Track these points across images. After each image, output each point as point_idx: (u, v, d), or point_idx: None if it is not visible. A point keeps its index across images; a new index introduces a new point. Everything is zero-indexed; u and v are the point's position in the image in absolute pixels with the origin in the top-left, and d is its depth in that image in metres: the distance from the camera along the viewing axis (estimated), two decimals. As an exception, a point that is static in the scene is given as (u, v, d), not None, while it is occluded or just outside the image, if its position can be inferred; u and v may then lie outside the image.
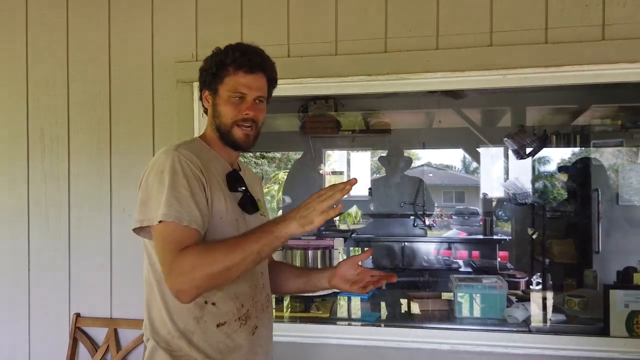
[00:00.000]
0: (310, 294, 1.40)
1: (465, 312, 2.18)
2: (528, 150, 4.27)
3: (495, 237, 4.71)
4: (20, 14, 2.26)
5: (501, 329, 2.05)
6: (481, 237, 4.85)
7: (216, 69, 1.27)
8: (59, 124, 2.22)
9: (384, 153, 5.08)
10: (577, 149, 4.43)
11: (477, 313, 2.18)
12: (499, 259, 4.62)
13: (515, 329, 2.02)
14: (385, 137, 4.79)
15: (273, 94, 1.39)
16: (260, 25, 2.10)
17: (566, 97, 4.06)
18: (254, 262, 1.09)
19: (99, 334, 2.18)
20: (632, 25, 1.85)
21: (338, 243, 2.31)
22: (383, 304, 2.55)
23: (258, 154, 8.99)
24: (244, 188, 1.28)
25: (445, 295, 2.43)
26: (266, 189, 8.23)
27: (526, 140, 4.29)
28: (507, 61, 1.92)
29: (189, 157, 1.18)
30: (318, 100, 4.74)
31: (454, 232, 9.42)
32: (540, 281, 3.94)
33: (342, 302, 2.44)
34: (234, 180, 1.27)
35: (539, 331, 2.02)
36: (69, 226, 2.22)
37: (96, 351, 2.15)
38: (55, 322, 2.23)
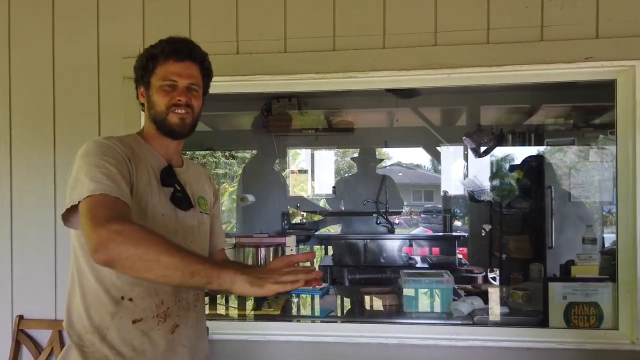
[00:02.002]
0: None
1: (412, 307, 2.22)
2: (488, 148, 4.38)
3: (454, 233, 4.82)
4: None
5: (446, 322, 2.10)
6: (441, 234, 4.95)
7: (147, 61, 1.28)
8: (0, 121, 2.16)
9: (356, 153, 5.14)
10: (534, 147, 4.56)
11: (424, 307, 2.22)
12: (459, 256, 4.73)
13: (459, 322, 2.08)
14: (348, 136, 4.84)
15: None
16: (209, 22, 2.08)
17: (520, 97, 4.19)
18: (179, 278, 1.00)
19: (44, 336, 2.13)
20: (568, 27, 1.92)
21: (290, 241, 2.32)
22: (338, 301, 2.57)
23: (227, 153, 8.91)
24: (177, 184, 1.28)
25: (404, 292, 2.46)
26: (233, 188, 8.16)
27: (484, 138, 4.41)
28: (451, 61, 1.97)
29: (116, 144, 1.19)
30: (281, 98, 4.75)
31: (420, 230, 9.59)
32: (493, 276, 4.06)
33: (295, 299, 2.45)
34: (168, 175, 1.27)
35: (482, 324, 2.08)
36: (11, 226, 2.16)
37: (40, 354, 2.10)
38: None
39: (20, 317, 2.12)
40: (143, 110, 1.35)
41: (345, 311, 2.45)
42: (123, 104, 2.08)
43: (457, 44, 1.96)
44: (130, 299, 1.18)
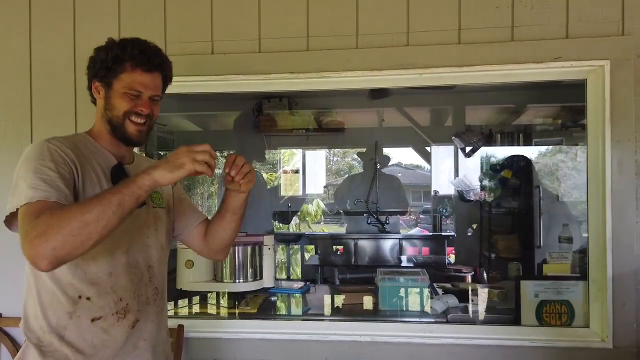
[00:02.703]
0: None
1: (387, 305, 2.23)
2: (473, 148, 4.40)
3: (443, 233, 4.83)
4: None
5: (419, 320, 2.11)
6: (430, 234, 4.96)
7: (112, 63, 1.24)
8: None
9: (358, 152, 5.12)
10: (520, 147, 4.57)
11: (400, 305, 2.23)
12: (449, 255, 4.74)
13: (433, 320, 2.09)
14: (339, 136, 4.85)
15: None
16: (184, 22, 2.10)
17: (507, 97, 4.20)
18: (115, 215, 1.02)
19: (21, 333, 2.14)
20: (538, 27, 1.93)
21: (268, 240, 2.33)
22: (317, 300, 2.59)
23: (218, 153, 8.93)
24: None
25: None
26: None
27: (473, 138, 4.42)
28: (423, 61, 1.98)
29: (59, 145, 1.18)
30: (272, 98, 4.77)
31: (417, 230, 9.60)
32: (476, 275, 4.06)
33: (273, 297, 2.47)
34: (118, 173, 1.27)
35: (455, 321, 2.09)
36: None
37: (17, 352, 2.11)
38: None
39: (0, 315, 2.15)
40: (93, 103, 1.33)
41: (326, 310, 2.47)
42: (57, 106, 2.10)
43: (429, 44, 1.98)
44: (88, 298, 1.19)
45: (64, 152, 1.17)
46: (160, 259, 1.37)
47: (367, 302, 2.35)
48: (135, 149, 1.48)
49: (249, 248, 2.30)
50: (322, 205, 6.47)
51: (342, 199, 5.06)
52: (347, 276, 4.39)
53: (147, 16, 2.10)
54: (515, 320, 2.06)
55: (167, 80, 1.35)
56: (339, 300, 2.42)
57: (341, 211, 5.29)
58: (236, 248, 2.26)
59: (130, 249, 1.26)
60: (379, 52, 2.00)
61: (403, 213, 5.11)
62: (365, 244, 4.64)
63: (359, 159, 5.17)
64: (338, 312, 2.35)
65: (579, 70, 1.93)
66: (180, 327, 2.04)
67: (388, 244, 4.77)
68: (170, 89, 2.08)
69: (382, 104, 4.13)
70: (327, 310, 2.38)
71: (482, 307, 2.27)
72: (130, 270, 1.25)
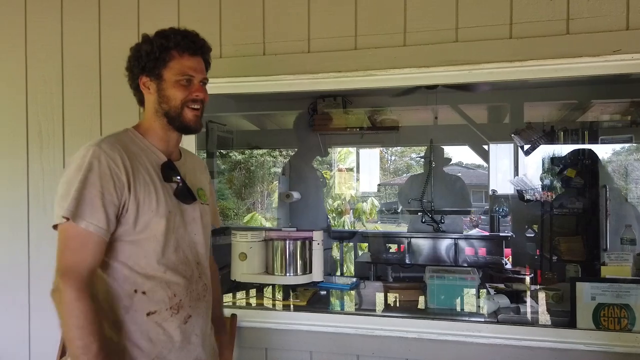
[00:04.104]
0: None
1: (435, 303, 2.22)
2: (535, 146, 4.23)
3: (501, 234, 4.68)
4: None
5: (467, 319, 2.08)
6: (488, 234, 4.83)
7: (160, 52, 1.26)
8: (55, 119, 2.39)
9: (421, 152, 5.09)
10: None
11: (448, 304, 2.21)
12: (507, 257, 4.59)
13: (482, 320, 2.06)
14: (393, 134, 4.84)
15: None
16: (237, 25, 2.19)
17: (569, 93, 4.01)
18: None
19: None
20: (595, 19, 1.85)
21: (317, 235, 2.39)
22: (362, 295, 2.61)
23: (277, 152, 9.13)
24: (179, 178, 1.30)
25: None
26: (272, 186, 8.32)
27: (533, 136, 4.26)
28: (472, 57, 1.96)
29: (111, 154, 1.19)
30: (327, 98, 4.84)
31: (476, 231, 9.34)
32: (536, 278, 3.91)
33: (323, 292, 2.52)
34: (169, 170, 1.28)
35: (506, 322, 2.05)
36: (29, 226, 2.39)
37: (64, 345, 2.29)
38: (54, 322, 2.37)
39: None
40: (140, 104, 1.36)
41: (374, 306, 2.49)
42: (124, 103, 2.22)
43: (478, 40, 1.95)
44: (144, 292, 1.23)
45: (114, 160, 1.19)
46: (206, 255, 1.41)
47: (419, 300, 2.34)
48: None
49: (299, 243, 2.37)
50: (376, 203, 6.45)
51: (406, 197, 5.05)
52: (401, 275, 4.38)
53: (203, 21, 2.21)
54: (570, 323, 1.98)
55: (208, 65, 1.38)
56: (389, 297, 2.43)
57: (398, 210, 5.26)
58: (286, 242, 2.34)
59: (179, 245, 1.29)
60: (427, 49, 2.00)
61: (466, 213, 4.98)
62: (420, 243, 4.59)
63: (421, 160, 5.13)
64: (387, 309, 2.36)
65: (640, 63, 1.83)
66: (234, 316, 2.13)
67: (443, 244, 4.69)
68: (225, 89, 2.21)
69: (435, 101, 4.06)
70: (378, 306, 2.40)
71: (535, 308, 2.20)
72: (181, 267, 1.29)
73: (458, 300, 2.21)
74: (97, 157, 1.18)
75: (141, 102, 1.36)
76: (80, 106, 2.37)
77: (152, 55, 1.27)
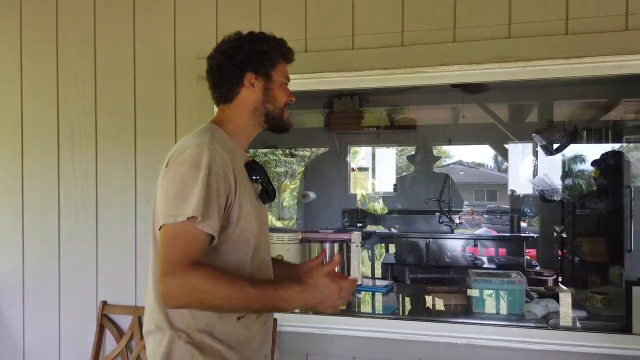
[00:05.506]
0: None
1: (482, 307, 2.16)
2: (557, 146, 4.17)
3: (522, 234, 4.63)
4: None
5: (518, 324, 2.02)
6: (508, 234, 4.77)
7: (273, 53, 1.30)
8: (88, 121, 2.32)
9: (412, 152, 5.07)
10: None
11: (495, 308, 2.16)
12: (527, 257, 4.53)
13: (533, 325, 2.00)
14: (411, 133, 4.78)
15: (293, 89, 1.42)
16: (278, 21, 2.13)
17: (598, 91, 3.95)
18: (245, 311, 1.18)
19: (124, 321, 2.27)
20: (657, 14, 1.79)
21: (355, 237, 2.32)
22: (401, 298, 2.56)
23: (287, 151, 9.07)
24: (258, 178, 1.27)
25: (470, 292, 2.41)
26: (294, 185, 8.29)
27: (555, 135, 4.20)
28: (526, 53, 1.89)
29: (223, 155, 1.17)
30: (343, 96, 4.77)
31: (483, 230, 9.29)
32: (563, 280, 3.85)
33: (361, 295, 2.46)
34: (252, 169, 1.26)
35: (557, 327, 1.99)
36: (97, 219, 2.32)
37: (121, 337, 2.24)
38: (83, 310, 2.33)
39: (104, 303, 2.28)
40: (221, 99, 1.32)
41: (407, 310, 2.43)
42: (198, 104, 2.16)
43: (532, 36, 1.89)
44: None
45: (225, 162, 1.17)
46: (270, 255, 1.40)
47: (464, 303, 2.28)
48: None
49: (336, 245, 2.30)
50: (382, 205, 6.36)
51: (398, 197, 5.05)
52: (418, 276, 4.31)
53: (243, 18, 2.14)
54: (625, 328, 1.93)
55: None
56: (431, 300, 2.37)
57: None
58: (325, 244, 2.28)
59: (263, 247, 1.30)
60: (478, 45, 1.93)
61: (458, 212, 4.95)
62: (437, 244, 4.53)
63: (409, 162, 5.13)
64: (427, 313, 2.30)
65: None
66: (274, 320, 2.07)
67: (460, 244, 4.64)
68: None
69: (461, 100, 4.00)
70: (412, 310, 2.34)
71: (581, 313, 2.14)
72: (263, 268, 1.29)
73: (504, 305, 2.15)
74: (213, 157, 1.14)
75: (228, 98, 1.30)
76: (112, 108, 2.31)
77: (267, 55, 1.29)
